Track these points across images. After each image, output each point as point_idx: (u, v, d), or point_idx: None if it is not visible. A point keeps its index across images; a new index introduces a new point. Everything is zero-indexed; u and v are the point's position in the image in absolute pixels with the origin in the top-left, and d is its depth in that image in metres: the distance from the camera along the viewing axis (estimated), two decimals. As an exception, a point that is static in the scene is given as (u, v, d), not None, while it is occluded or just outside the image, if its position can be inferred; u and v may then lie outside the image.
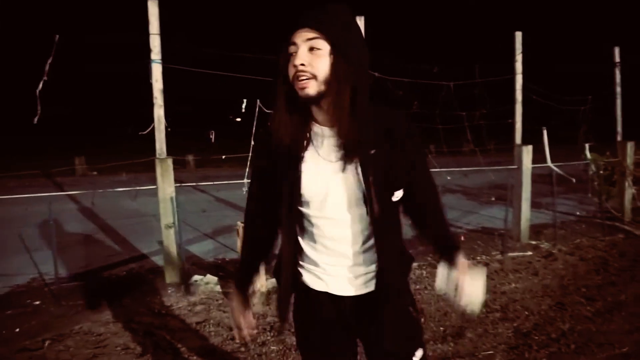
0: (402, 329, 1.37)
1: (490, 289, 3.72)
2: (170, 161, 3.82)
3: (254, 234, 1.41)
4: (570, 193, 7.22)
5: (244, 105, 4.09)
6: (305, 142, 1.22)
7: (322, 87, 1.14)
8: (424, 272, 4.14)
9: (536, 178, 5.19)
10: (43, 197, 4.46)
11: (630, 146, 5.88)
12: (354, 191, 1.22)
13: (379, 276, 1.29)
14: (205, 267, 4.34)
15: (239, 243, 3.40)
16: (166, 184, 3.79)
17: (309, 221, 1.29)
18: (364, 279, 1.32)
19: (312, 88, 1.14)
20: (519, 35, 4.94)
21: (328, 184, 1.23)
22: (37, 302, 3.62)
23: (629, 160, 5.88)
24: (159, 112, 3.87)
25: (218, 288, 3.78)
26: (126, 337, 3.00)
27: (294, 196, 1.25)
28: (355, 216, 1.25)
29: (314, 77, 1.13)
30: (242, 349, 2.84)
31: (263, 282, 3.43)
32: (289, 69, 1.16)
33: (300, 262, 1.37)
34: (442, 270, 1.30)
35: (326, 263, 1.31)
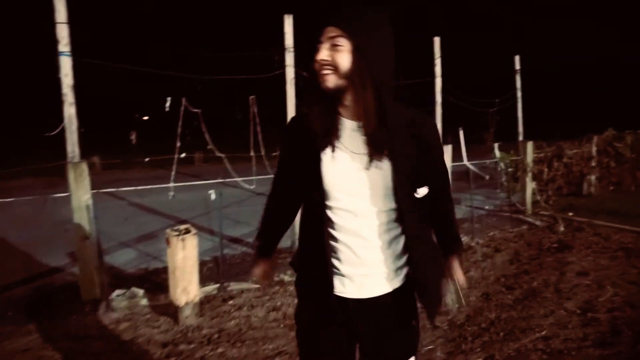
0: (401, 339, 1.37)
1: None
2: (84, 165, 3.45)
3: (276, 208, 1.51)
4: (481, 189, 7.80)
5: (167, 104, 3.83)
6: (333, 134, 1.25)
7: (341, 82, 1.20)
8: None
9: (454, 175, 5.50)
10: None
11: (529, 145, 6.49)
12: (377, 185, 1.25)
13: (414, 270, 1.32)
14: (127, 280, 3.99)
15: (168, 252, 3.17)
16: (81, 190, 3.42)
17: (331, 214, 1.29)
18: (377, 279, 1.31)
19: (331, 81, 1.20)
20: (437, 40, 5.20)
21: (351, 176, 1.26)
22: None
23: (529, 158, 6.48)
24: (69, 110, 3.48)
25: (144, 301, 3.50)
26: (41, 367, 2.65)
27: (319, 185, 1.27)
28: (376, 210, 1.27)
29: (334, 71, 1.20)
30: (179, 367, 2.65)
31: (196, 292, 3.23)
32: (315, 65, 1.23)
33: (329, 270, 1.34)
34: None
35: (340, 261, 1.30)
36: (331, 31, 1.20)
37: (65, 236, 4.23)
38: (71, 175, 3.39)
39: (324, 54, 1.20)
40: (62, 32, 3.44)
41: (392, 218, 1.28)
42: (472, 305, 3.44)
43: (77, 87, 3.54)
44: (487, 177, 6.18)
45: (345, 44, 1.19)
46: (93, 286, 3.52)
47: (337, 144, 1.26)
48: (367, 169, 1.24)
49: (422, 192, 1.29)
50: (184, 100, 3.73)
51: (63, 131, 3.44)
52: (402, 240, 1.31)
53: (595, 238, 5.22)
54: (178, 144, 3.66)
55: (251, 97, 4.04)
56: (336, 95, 1.22)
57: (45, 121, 3.88)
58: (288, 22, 4.26)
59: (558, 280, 3.94)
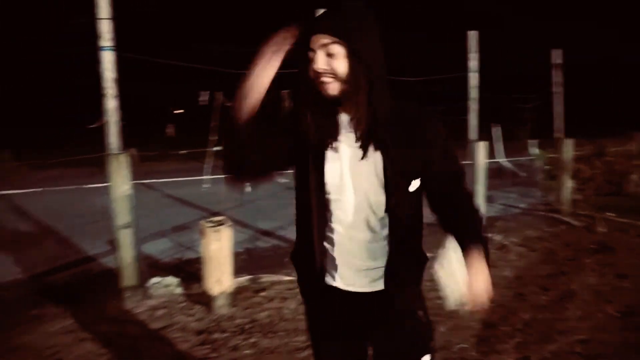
0: (408, 333, 1.36)
1: (454, 282, 3.82)
2: (125, 157, 3.55)
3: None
4: (516, 187, 7.61)
5: (204, 98, 3.90)
6: (333, 130, 1.27)
7: (344, 86, 1.21)
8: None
9: (487, 172, 5.39)
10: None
11: (568, 143, 6.27)
12: (371, 178, 1.26)
13: (388, 271, 1.30)
14: (163, 268, 4.11)
15: (203, 243, 3.24)
16: (120, 181, 3.53)
17: (328, 206, 1.30)
18: (374, 274, 1.32)
19: (334, 89, 1.21)
20: (473, 35, 5.09)
21: (347, 169, 1.27)
22: (-27, 314, 3.25)
23: (567, 155, 6.27)
24: (111, 103, 3.59)
25: (179, 290, 3.59)
26: (82, 348, 2.77)
27: (321, 182, 1.28)
28: (370, 203, 1.28)
29: (335, 78, 1.20)
30: (214, 354, 2.71)
31: (229, 283, 3.29)
32: (310, 73, 1.22)
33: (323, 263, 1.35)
34: (451, 252, 1.24)
35: (338, 253, 1.32)
36: (322, 38, 1.19)
37: (104, 224, 4.37)
38: (112, 166, 3.50)
39: (321, 62, 1.19)
40: (105, 28, 3.54)
41: (382, 213, 1.28)
42: (505, 305, 3.37)
43: (118, 81, 3.64)
44: (523, 174, 6.02)
45: (340, 50, 1.19)
46: (131, 273, 3.63)
47: (336, 138, 1.27)
48: (363, 160, 1.26)
49: (413, 186, 1.28)
50: (220, 95, 3.79)
51: (104, 123, 3.55)
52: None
53: (637, 239, 5.02)
54: (213, 137, 3.72)
55: (283, 91, 4.06)
56: (337, 99, 1.23)
57: (87, 113, 4.01)
58: (323, 17, 4.25)
59: (597, 282, 3.81)
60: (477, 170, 5.13)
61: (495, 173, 6.10)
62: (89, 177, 7.61)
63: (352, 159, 1.26)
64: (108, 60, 3.57)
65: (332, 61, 1.19)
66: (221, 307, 3.24)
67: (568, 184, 6.33)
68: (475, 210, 1.35)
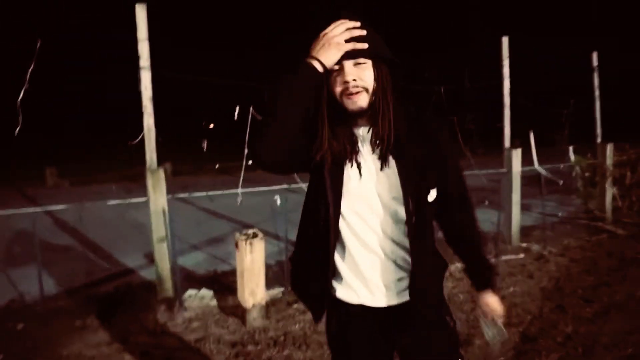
0: (438, 340, 1.36)
1: (491, 294, 3.72)
2: (161, 172, 3.67)
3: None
4: (555, 194, 7.37)
5: (236, 112, 3.98)
6: (351, 146, 1.27)
7: (372, 98, 1.22)
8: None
9: (523, 180, 5.25)
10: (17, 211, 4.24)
11: (609, 148, 6.04)
12: (390, 190, 1.26)
13: (412, 282, 1.30)
14: (198, 281, 4.19)
15: (237, 255, 3.29)
16: (158, 195, 3.64)
17: (346, 222, 1.30)
18: (398, 287, 1.32)
19: (363, 100, 1.21)
20: (505, 41, 5.01)
21: (366, 182, 1.27)
22: (20, 326, 3.40)
23: (609, 161, 6.03)
24: (148, 121, 3.72)
25: (214, 302, 3.65)
26: (121, 359, 2.85)
27: (338, 195, 1.27)
28: (389, 215, 1.28)
29: (365, 89, 1.21)
30: (248, 366, 2.74)
31: (263, 295, 3.33)
32: (335, 86, 1.22)
33: (333, 277, 1.36)
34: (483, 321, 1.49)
35: (359, 271, 1.32)
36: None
37: (142, 238, 4.51)
38: (149, 181, 3.62)
39: (352, 74, 1.19)
40: (143, 49, 3.69)
41: (403, 222, 1.28)
42: (545, 318, 3.25)
43: (154, 98, 3.77)
44: (561, 182, 5.82)
45: (366, 61, 1.20)
46: (168, 286, 3.72)
47: (356, 152, 1.28)
48: (381, 172, 1.26)
49: (432, 195, 1.29)
50: (251, 109, 3.86)
51: (142, 140, 3.68)
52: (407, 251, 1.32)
53: (686, 249, 4.76)
54: (246, 151, 3.79)
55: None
56: (364, 112, 1.23)
57: (124, 130, 4.16)
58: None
59: (644, 294, 3.63)
60: (512, 177, 5.01)
61: (532, 181, 5.92)
62: (129, 191, 7.87)
63: (372, 172, 1.27)
64: (146, 79, 3.71)
65: (361, 71, 1.20)
66: (255, 319, 3.27)
67: (610, 190, 6.08)
68: (477, 229, 1.43)
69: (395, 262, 1.31)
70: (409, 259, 1.29)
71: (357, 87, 1.19)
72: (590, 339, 2.93)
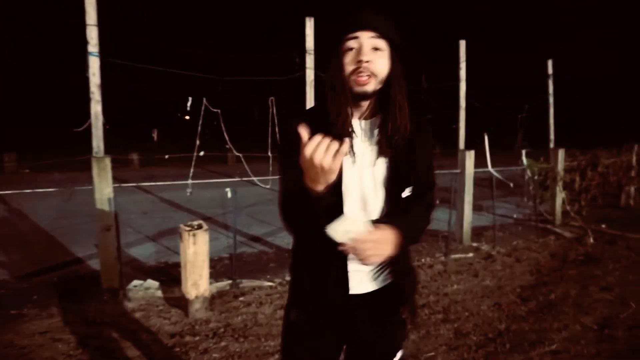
0: (392, 335, 1.37)
1: (434, 291, 3.82)
2: (108, 160, 3.61)
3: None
4: (508, 197, 7.59)
5: (189, 104, 3.96)
6: (348, 134, 1.23)
7: (379, 86, 1.21)
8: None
9: (477, 181, 5.40)
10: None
11: (561, 153, 6.26)
12: (375, 183, 1.26)
13: (383, 274, 1.30)
14: (146, 271, 4.15)
15: (181, 246, 3.28)
16: (103, 184, 3.59)
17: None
18: (370, 276, 1.32)
19: (370, 85, 1.19)
20: (463, 44, 5.12)
21: (359, 175, 1.25)
22: (-46, 312, 3.30)
23: (560, 166, 6.26)
24: (96, 108, 3.65)
25: (159, 293, 3.63)
26: (54, 349, 2.80)
27: (338, 186, 1.21)
28: (367, 207, 1.27)
29: (374, 75, 1.19)
30: (183, 357, 2.73)
31: (206, 287, 3.32)
32: (347, 64, 1.19)
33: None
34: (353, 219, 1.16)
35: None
36: (369, 34, 1.18)
37: (91, 227, 4.43)
38: (95, 169, 3.57)
39: (368, 55, 1.17)
40: (92, 34, 3.61)
41: (374, 217, 1.27)
42: (481, 315, 3.37)
43: (105, 86, 3.71)
44: (511, 184, 6.01)
45: (385, 47, 1.20)
46: (113, 276, 3.67)
47: (351, 144, 1.25)
48: (374, 167, 1.25)
49: (407, 192, 1.29)
50: (204, 100, 3.85)
51: (89, 127, 3.61)
52: None
53: (626, 252, 4.99)
54: (197, 143, 3.78)
55: (270, 98, 4.12)
56: (367, 97, 1.22)
57: (72, 117, 4.08)
58: (309, 25, 4.31)
59: (578, 294, 3.79)
60: (465, 178, 5.14)
61: (487, 182, 6.08)
62: (80, 179, 7.71)
63: (363, 164, 1.25)
64: (94, 66, 3.64)
65: (377, 57, 1.19)
66: (197, 310, 3.27)
67: (560, 195, 6.31)
68: (426, 216, 1.38)
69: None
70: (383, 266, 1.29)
71: (369, 70, 1.17)
72: (520, 336, 3.05)
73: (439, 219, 6.20)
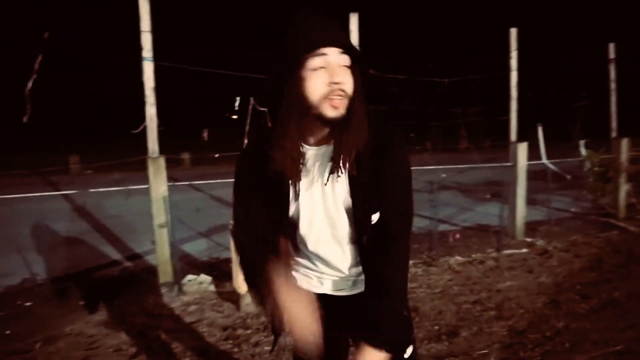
0: (394, 328, 1.36)
1: (486, 287, 3.71)
2: (162, 160, 3.77)
3: (256, 240, 1.28)
4: (565, 190, 7.22)
5: (237, 103, 4.05)
6: (300, 163, 1.17)
7: (348, 104, 1.10)
8: (419, 271, 4.12)
9: (531, 174, 5.17)
10: (34, 196, 4.42)
11: (624, 143, 5.88)
12: (339, 207, 1.20)
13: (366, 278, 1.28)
14: (199, 267, 4.30)
15: (232, 241, 3.38)
16: (158, 183, 3.75)
17: (301, 238, 1.27)
18: (353, 281, 1.33)
19: (344, 108, 1.09)
20: (514, 32, 4.92)
21: (316, 204, 1.21)
22: (29, 304, 3.58)
23: (624, 156, 5.88)
24: (150, 110, 3.82)
25: (212, 288, 3.75)
26: (118, 338, 2.97)
27: (284, 214, 1.22)
28: (342, 236, 1.23)
29: (347, 96, 1.09)
30: (236, 349, 2.82)
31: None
32: (316, 85, 1.07)
33: (295, 268, 1.37)
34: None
35: (321, 272, 1.32)
36: (337, 50, 1.07)
37: (147, 224, 4.66)
38: (150, 169, 3.73)
39: (341, 76, 1.06)
40: (146, 40, 3.78)
41: (347, 243, 1.24)
42: (537, 312, 3.23)
43: (159, 89, 3.87)
44: (568, 177, 5.71)
45: (349, 63, 1.09)
46: (168, 270, 3.84)
47: (304, 172, 1.18)
48: (332, 193, 1.19)
49: (375, 217, 1.19)
50: (251, 100, 3.93)
51: (145, 129, 3.79)
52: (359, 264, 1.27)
53: (699, 247, 4.63)
54: (246, 141, 3.86)
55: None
56: (336, 123, 1.09)
57: (129, 119, 4.29)
58: (353, 21, 4.29)
59: (645, 291, 3.56)
60: (517, 171, 4.94)
61: (541, 175, 5.82)
62: (137, 178, 8.10)
63: (321, 190, 1.19)
64: (148, 70, 3.81)
65: (346, 76, 1.08)
66: (248, 305, 3.36)
67: (624, 186, 5.93)
68: (400, 286, 1.24)
69: (347, 263, 1.29)
70: (362, 274, 1.28)
71: (343, 92, 1.07)
72: (580, 335, 2.90)
73: (490, 213, 6.02)
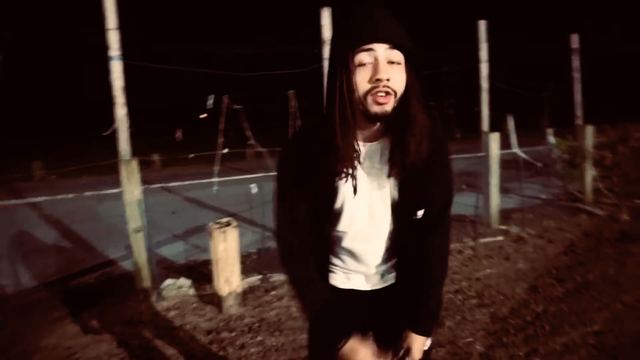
0: (437, 314, 1.37)
1: (466, 276, 3.77)
2: (135, 162, 3.66)
3: (304, 244, 1.27)
4: (535, 177, 7.43)
5: (210, 102, 3.98)
6: (352, 159, 1.14)
7: (396, 104, 1.09)
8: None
9: (503, 164, 5.29)
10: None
11: (589, 129, 6.08)
12: (385, 205, 1.20)
13: (398, 271, 1.31)
14: (177, 270, 4.21)
15: (211, 244, 3.31)
16: (132, 186, 3.64)
17: (337, 234, 1.27)
18: (384, 275, 1.34)
19: (390, 105, 1.07)
20: (482, 24, 5.00)
21: (362, 200, 1.20)
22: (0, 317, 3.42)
23: (589, 143, 6.08)
24: (120, 111, 3.70)
25: (192, 291, 3.68)
26: (98, 349, 2.87)
27: (328, 210, 1.21)
28: (381, 232, 1.24)
29: (394, 93, 1.06)
30: (221, 352, 2.77)
31: (238, 283, 3.35)
32: (360, 82, 1.05)
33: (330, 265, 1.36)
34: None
35: (348, 269, 1.33)
36: (385, 46, 1.05)
37: (121, 229, 4.52)
38: (123, 172, 3.62)
39: (387, 72, 1.04)
40: (113, 38, 3.65)
41: (389, 238, 1.24)
42: (517, 298, 3.31)
43: (129, 89, 3.75)
44: (539, 164, 5.87)
45: (402, 61, 1.07)
46: (145, 276, 3.74)
47: (357, 169, 1.17)
48: (381, 190, 1.18)
49: (420, 213, 1.21)
50: (225, 98, 3.86)
51: (115, 131, 3.66)
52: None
53: (663, 227, 4.84)
54: (221, 140, 3.79)
55: (290, 91, 4.11)
56: (385, 119, 1.08)
57: (100, 121, 4.15)
58: (326, 15, 4.26)
59: (617, 272, 3.70)
60: (490, 161, 5.04)
61: (512, 164, 5.96)
62: (108, 182, 7.87)
63: (372, 188, 1.19)
64: (117, 70, 3.68)
65: (394, 72, 1.05)
66: (231, 306, 3.31)
67: (590, 172, 6.14)
68: (444, 267, 1.32)
69: (383, 257, 1.30)
70: (391, 268, 1.31)
71: (389, 88, 1.04)
72: (559, 318, 2.99)
73: (466, 203, 6.13)
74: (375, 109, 1.05)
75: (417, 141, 1.11)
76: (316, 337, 1.37)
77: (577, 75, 6.15)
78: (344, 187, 1.18)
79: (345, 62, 1.06)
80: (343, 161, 1.12)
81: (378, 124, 1.12)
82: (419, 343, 1.26)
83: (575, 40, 6.10)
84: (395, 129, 1.13)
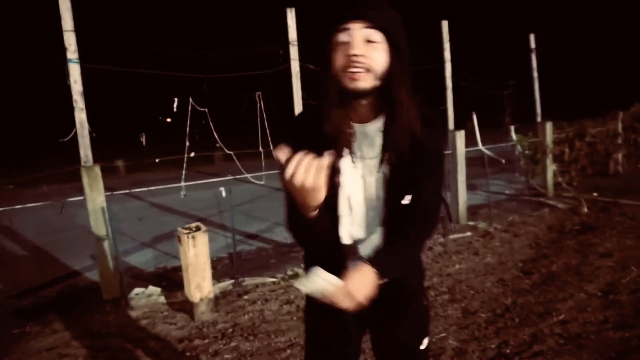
0: (415, 322, 1.36)
1: (437, 272, 3.83)
2: (98, 169, 3.54)
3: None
4: (500, 173, 7.64)
5: (174, 105, 3.89)
6: (346, 139, 1.15)
7: (376, 83, 1.10)
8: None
9: (468, 161, 5.41)
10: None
11: (548, 126, 6.31)
12: (375, 191, 1.20)
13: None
14: (146, 279, 4.09)
15: (181, 250, 3.23)
16: (95, 193, 3.51)
17: (334, 220, 1.23)
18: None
19: (366, 81, 1.08)
20: (445, 24, 5.10)
21: (359, 182, 1.19)
22: (-47, 337, 3.22)
23: (549, 139, 6.31)
24: (80, 116, 3.56)
25: (162, 299, 3.58)
26: (63, 364, 2.75)
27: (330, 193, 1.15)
28: (373, 216, 1.22)
29: (369, 70, 1.08)
30: (194, 361, 2.70)
31: (210, 288, 3.29)
32: (338, 59, 1.09)
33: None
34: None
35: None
36: (362, 25, 1.07)
37: (85, 238, 4.35)
38: (85, 179, 3.49)
39: (358, 48, 1.06)
40: (70, 40, 3.52)
41: (380, 224, 1.23)
42: (486, 292, 3.39)
43: (88, 93, 3.62)
44: (503, 161, 6.04)
45: (380, 39, 1.08)
46: (112, 286, 3.62)
47: (350, 149, 1.17)
48: (375, 173, 1.18)
49: (407, 198, 1.21)
50: (190, 100, 3.78)
51: (75, 136, 3.53)
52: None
53: (620, 218, 5.06)
54: (187, 144, 3.72)
55: (257, 93, 4.07)
56: (362, 95, 1.11)
57: (59, 127, 3.99)
58: (291, 16, 4.25)
59: (579, 263, 3.84)
60: (457, 159, 5.15)
61: (478, 161, 6.11)
62: (69, 190, 7.58)
63: (364, 169, 1.18)
64: (75, 73, 3.55)
65: (370, 50, 1.07)
66: (203, 313, 3.23)
67: (551, 167, 6.37)
68: (418, 237, 1.26)
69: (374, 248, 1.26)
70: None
71: (362, 64, 1.06)
72: (527, 309, 3.07)
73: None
74: (349, 84, 1.08)
75: (403, 125, 1.12)
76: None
77: (535, 74, 6.36)
78: (340, 166, 1.17)
79: (328, 43, 1.11)
80: (336, 135, 1.13)
81: (365, 102, 1.14)
82: (363, 276, 1.12)
83: (532, 41, 6.32)
84: (384, 110, 1.15)
